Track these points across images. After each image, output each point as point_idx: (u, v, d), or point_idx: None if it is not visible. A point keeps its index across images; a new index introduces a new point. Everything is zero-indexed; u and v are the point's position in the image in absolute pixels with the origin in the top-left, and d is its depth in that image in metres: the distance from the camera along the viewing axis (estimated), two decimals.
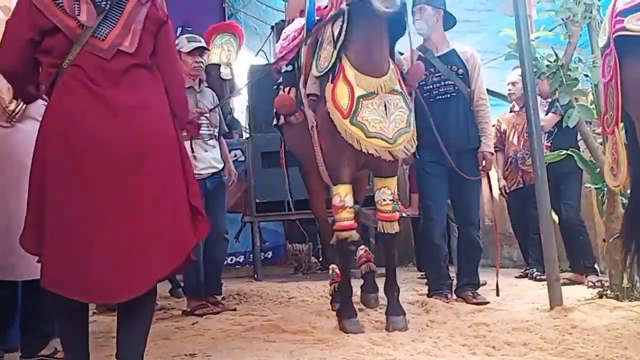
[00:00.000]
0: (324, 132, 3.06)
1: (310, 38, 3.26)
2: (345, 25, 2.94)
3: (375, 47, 2.96)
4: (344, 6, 2.93)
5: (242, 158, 6.34)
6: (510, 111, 5.35)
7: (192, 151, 3.83)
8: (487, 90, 7.53)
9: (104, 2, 2.09)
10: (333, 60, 2.99)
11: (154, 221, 2.05)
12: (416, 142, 3.08)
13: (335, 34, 2.99)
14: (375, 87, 2.93)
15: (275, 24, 6.84)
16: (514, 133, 5.20)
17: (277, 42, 5.56)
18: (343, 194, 3.01)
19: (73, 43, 2.03)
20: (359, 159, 3.02)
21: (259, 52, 8.52)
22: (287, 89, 3.40)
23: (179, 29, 9.39)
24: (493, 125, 5.11)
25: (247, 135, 6.71)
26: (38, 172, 2.03)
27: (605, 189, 3.31)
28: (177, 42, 4.18)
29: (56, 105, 2.04)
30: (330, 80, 3.02)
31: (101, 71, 2.05)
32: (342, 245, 3.06)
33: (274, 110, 3.59)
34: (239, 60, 7.49)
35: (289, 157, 3.97)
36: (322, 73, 3.05)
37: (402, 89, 3.05)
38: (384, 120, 2.92)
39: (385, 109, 2.93)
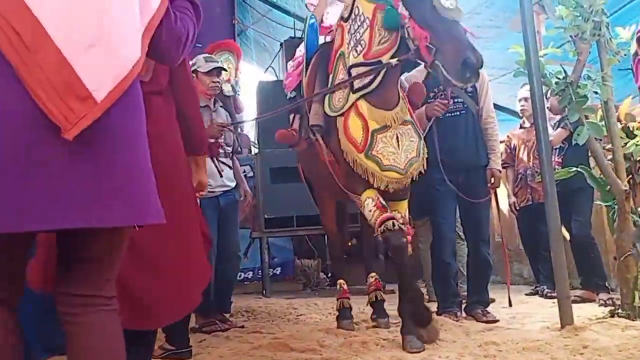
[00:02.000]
0: (340, 162, 3.08)
1: (310, 71, 3.34)
2: (380, 78, 2.95)
3: (391, 86, 3.02)
4: (393, 61, 2.89)
5: (251, 174, 6.35)
6: (520, 127, 5.35)
7: (217, 167, 3.88)
8: (497, 105, 7.56)
9: None
10: (350, 103, 3.02)
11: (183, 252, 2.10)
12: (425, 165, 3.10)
13: (358, 81, 3.01)
14: (389, 120, 2.96)
15: (285, 40, 6.89)
16: (524, 149, 5.19)
17: (285, 59, 5.62)
18: (374, 194, 2.99)
19: None
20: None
21: (267, 68, 8.57)
22: (292, 116, 3.51)
23: None
24: (502, 141, 5.12)
25: (256, 151, 6.73)
26: None
27: (616, 206, 3.28)
28: (193, 60, 4.23)
29: None
30: (340, 114, 3.05)
31: None
32: (392, 238, 2.91)
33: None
34: (248, 75, 7.54)
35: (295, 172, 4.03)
36: (336, 113, 3.08)
37: (411, 117, 3.08)
38: (396, 151, 2.95)
39: (398, 140, 2.97)
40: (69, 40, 1.36)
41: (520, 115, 5.35)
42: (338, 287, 3.76)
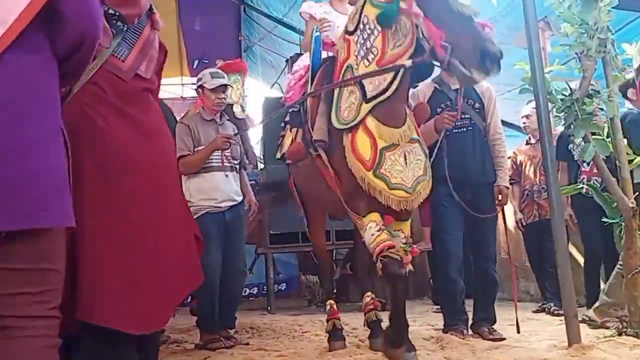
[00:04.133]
0: (344, 178, 3.01)
1: (315, 85, 3.29)
2: (397, 83, 2.84)
3: (400, 100, 2.95)
4: (408, 62, 2.78)
5: (257, 188, 6.35)
6: (527, 143, 5.34)
7: (212, 185, 3.90)
8: (503, 121, 7.54)
9: (121, 24, 2.08)
10: (363, 114, 2.92)
11: (181, 245, 2.11)
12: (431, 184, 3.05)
13: (371, 90, 2.90)
14: (397, 139, 2.90)
15: (290, 57, 6.91)
16: (531, 166, 5.18)
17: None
18: (377, 219, 2.93)
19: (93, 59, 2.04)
20: (379, 204, 2.94)
21: (274, 84, 8.61)
22: (294, 130, 3.41)
23: (196, 62, 9.59)
24: (509, 157, 5.11)
25: (262, 166, 6.74)
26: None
27: (623, 223, 3.26)
28: (200, 76, 4.26)
29: (78, 123, 1.95)
30: (348, 131, 2.97)
31: (121, 92, 2.05)
32: (390, 266, 2.84)
33: (278, 144, 3.61)
34: (254, 91, 7.57)
35: None
36: (346, 126, 2.96)
37: (418, 135, 3.03)
38: (404, 170, 2.89)
39: (405, 158, 2.91)
40: None
41: (525, 132, 5.35)
42: (328, 307, 3.65)
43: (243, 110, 7.19)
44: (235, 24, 9.04)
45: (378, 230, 2.89)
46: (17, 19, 1.31)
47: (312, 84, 3.40)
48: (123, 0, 2.04)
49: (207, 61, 9.34)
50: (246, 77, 6.99)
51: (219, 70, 4.36)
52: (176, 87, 10.25)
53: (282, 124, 3.64)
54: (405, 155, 2.92)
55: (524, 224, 5.21)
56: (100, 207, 1.93)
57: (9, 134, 1.30)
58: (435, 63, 2.77)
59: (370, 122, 2.92)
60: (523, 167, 5.25)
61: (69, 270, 1.61)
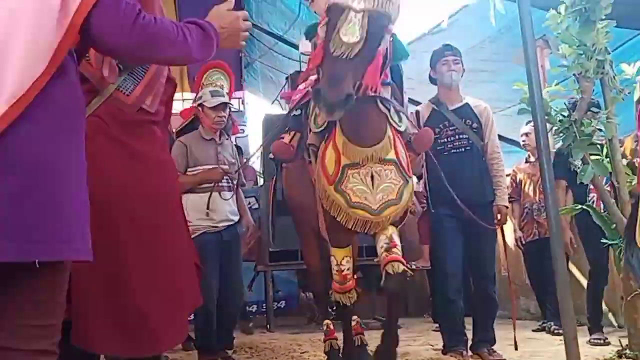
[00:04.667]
0: (319, 192, 2.98)
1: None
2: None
3: (364, 118, 2.81)
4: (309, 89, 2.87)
5: (256, 205, 6.34)
6: (526, 161, 5.35)
7: (208, 207, 3.88)
8: (502, 137, 7.55)
9: None
10: (326, 124, 2.93)
11: (178, 272, 2.11)
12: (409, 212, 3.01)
13: None
14: (361, 158, 2.81)
15: (290, 74, 6.94)
16: (530, 184, 5.18)
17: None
18: (340, 258, 2.96)
19: (98, 94, 2.05)
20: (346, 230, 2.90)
21: (274, 101, 8.63)
22: (292, 133, 3.34)
23: (196, 78, 9.60)
24: (508, 175, 5.11)
25: (262, 183, 6.74)
26: None
27: (623, 245, 3.25)
28: (199, 94, 4.26)
29: None
30: (324, 140, 2.97)
31: (123, 123, 2.07)
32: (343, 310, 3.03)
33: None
34: (255, 107, 7.54)
35: None
36: (318, 130, 2.99)
37: (397, 157, 2.89)
38: (369, 190, 2.80)
39: (372, 179, 2.82)
40: None
41: (524, 149, 5.36)
42: (324, 328, 3.59)
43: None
44: None
45: (336, 266, 2.97)
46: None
47: None
48: None
49: (199, 70, 9.36)
50: (235, 90, 6.97)
51: (219, 89, 4.36)
52: (176, 103, 10.26)
53: (286, 129, 3.58)
54: (372, 176, 2.83)
55: (524, 242, 5.19)
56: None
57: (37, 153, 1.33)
58: None
59: (339, 137, 2.88)
60: (523, 185, 5.25)
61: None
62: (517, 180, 5.31)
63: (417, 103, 4.67)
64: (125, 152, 2.04)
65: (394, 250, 2.83)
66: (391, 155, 2.88)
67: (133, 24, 1.50)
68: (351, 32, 2.44)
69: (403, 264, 2.79)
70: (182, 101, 10.44)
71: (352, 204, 2.80)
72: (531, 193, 5.15)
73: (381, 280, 2.82)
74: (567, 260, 4.29)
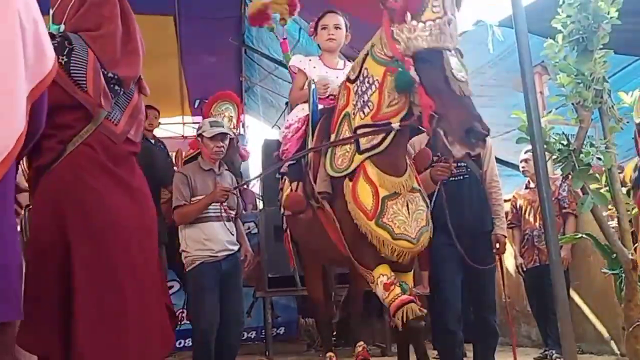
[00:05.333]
0: (347, 229, 3.00)
1: (316, 138, 3.29)
2: (389, 140, 2.91)
3: (400, 151, 2.98)
4: (396, 125, 2.88)
5: (255, 230, 6.32)
6: (526, 187, 5.34)
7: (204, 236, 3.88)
8: (501, 161, 7.55)
9: (119, 88, 2.12)
10: (356, 164, 2.95)
11: (161, 307, 2.09)
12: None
13: (364, 142, 2.97)
14: (399, 187, 2.90)
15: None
16: (530, 210, 5.16)
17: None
18: (388, 271, 2.90)
19: (90, 121, 2.05)
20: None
21: (275, 125, 8.66)
22: (294, 184, 3.39)
23: (197, 101, 9.66)
24: (508, 200, 5.10)
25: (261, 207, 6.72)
26: (56, 256, 1.94)
27: (624, 275, 3.22)
28: (199, 125, 4.29)
29: (71, 183, 2.01)
30: (349, 178, 2.97)
31: (112, 154, 2.08)
32: (410, 327, 2.81)
33: (278, 198, 3.59)
34: (255, 130, 7.54)
35: None
36: (340, 174, 3.00)
37: (419, 185, 3.03)
38: (407, 220, 2.88)
39: (408, 208, 2.90)
40: None
41: (524, 175, 5.35)
42: (328, 359, 3.61)
43: (233, 134, 7.18)
44: (236, 64, 9.14)
45: (390, 283, 2.85)
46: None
47: (312, 136, 3.40)
48: (126, 61, 2.06)
49: (208, 100, 9.42)
50: (242, 112, 6.98)
51: (218, 120, 4.40)
52: (177, 126, 10.32)
53: (279, 175, 3.63)
54: (407, 205, 2.91)
55: (525, 268, 5.16)
56: (89, 263, 1.95)
57: None
58: (422, 128, 2.81)
59: (371, 170, 2.92)
60: (523, 211, 5.23)
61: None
62: (517, 206, 5.29)
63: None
64: (121, 185, 2.05)
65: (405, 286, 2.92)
66: (416, 183, 3.02)
67: None
68: (460, 70, 2.60)
69: (414, 302, 2.84)
70: (182, 124, 10.53)
71: (395, 236, 2.84)
72: (531, 219, 5.13)
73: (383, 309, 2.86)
74: (568, 287, 4.28)
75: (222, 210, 4.02)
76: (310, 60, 3.74)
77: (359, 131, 2.99)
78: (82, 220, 1.96)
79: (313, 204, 3.18)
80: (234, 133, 6.96)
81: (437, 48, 2.58)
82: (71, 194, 1.97)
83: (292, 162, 3.42)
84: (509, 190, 5.92)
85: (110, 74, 2.04)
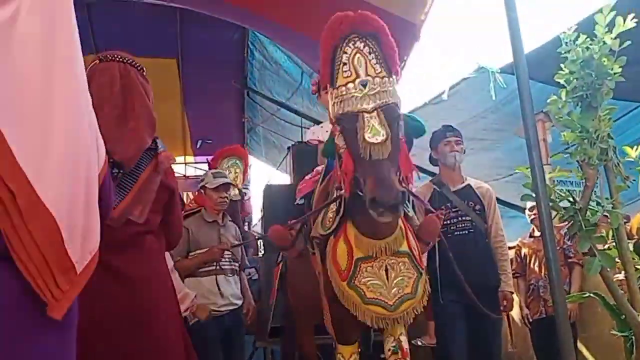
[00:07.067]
0: (326, 288, 2.91)
1: (324, 184, 3.26)
2: (342, 209, 2.84)
3: None
4: (342, 192, 2.76)
5: (256, 276, 6.23)
6: (530, 236, 5.25)
7: (218, 288, 3.82)
8: (505, 202, 7.47)
9: (116, 171, 2.05)
10: (335, 226, 2.88)
11: None
12: (422, 308, 2.87)
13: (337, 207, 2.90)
14: (374, 251, 2.73)
15: (292, 144, 6.94)
16: (535, 259, 5.07)
17: (293, 162, 5.65)
18: (347, 355, 2.86)
19: None
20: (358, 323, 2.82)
21: (279, 166, 8.66)
22: (294, 222, 3.34)
23: (199, 142, 9.68)
24: (512, 248, 5.01)
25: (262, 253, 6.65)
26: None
27: (634, 337, 3.13)
28: (202, 177, 4.28)
29: None
30: (333, 236, 2.91)
31: (106, 241, 2.01)
32: None
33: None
34: (258, 171, 7.54)
35: None
36: (326, 232, 2.94)
37: (410, 249, 2.83)
38: (384, 285, 2.72)
39: (387, 273, 2.74)
40: (63, 213, 1.29)
41: (532, 224, 5.27)
42: None
43: (240, 194, 7.16)
44: (238, 106, 9.16)
45: None
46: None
47: (322, 182, 3.38)
48: (116, 146, 2.00)
49: (210, 141, 9.45)
50: (249, 165, 6.98)
51: (221, 171, 4.38)
52: (179, 167, 10.32)
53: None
54: (387, 269, 2.75)
55: (531, 319, 5.05)
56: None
57: None
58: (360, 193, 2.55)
59: (350, 231, 2.82)
60: (527, 260, 5.14)
61: None
62: (522, 255, 5.20)
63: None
64: (109, 274, 1.95)
65: (397, 350, 2.79)
66: (404, 247, 2.81)
67: None
68: (375, 133, 2.41)
69: None
70: (184, 164, 10.53)
71: (366, 300, 2.70)
72: (537, 269, 5.03)
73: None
74: (575, 339, 4.18)
75: (227, 263, 3.98)
76: (322, 126, 3.77)
77: (340, 192, 2.88)
78: None
79: (309, 249, 3.13)
80: (240, 192, 6.96)
81: (350, 112, 2.46)
82: None
83: (298, 202, 3.43)
84: (513, 231, 5.86)
85: None
